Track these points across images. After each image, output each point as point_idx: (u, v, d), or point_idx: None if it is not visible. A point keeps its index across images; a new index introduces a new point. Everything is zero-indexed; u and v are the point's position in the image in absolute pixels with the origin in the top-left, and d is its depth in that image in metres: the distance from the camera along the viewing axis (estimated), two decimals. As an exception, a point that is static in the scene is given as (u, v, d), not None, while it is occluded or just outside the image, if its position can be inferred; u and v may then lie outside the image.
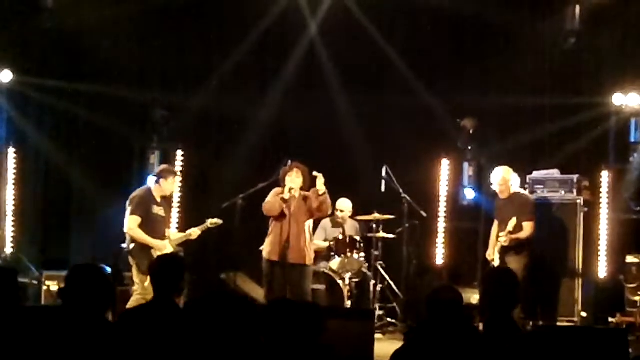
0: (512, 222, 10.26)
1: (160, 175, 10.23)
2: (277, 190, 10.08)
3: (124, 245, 10.05)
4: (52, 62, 12.68)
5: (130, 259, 9.95)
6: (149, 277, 9.61)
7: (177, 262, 6.00)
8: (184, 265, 5.94)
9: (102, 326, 4.96)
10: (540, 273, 10.94)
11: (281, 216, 9.96)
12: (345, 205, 11.89)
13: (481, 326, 5.72)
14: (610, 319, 11.09)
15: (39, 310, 8.34)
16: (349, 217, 11.96)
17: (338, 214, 11.79)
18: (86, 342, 4.80)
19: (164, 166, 10.77)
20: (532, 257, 10.46)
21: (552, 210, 11.47)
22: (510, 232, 10.27)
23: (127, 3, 12.42)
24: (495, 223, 10.78)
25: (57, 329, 4.90)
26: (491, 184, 10.77)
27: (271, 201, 10.01)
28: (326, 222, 11.80)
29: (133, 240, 9.89)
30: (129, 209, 9.94)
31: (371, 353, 7.87)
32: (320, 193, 9.91)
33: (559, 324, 10.90)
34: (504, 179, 10.63)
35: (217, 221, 10.42)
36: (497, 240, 10.51)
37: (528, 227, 10.44)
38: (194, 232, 10.38)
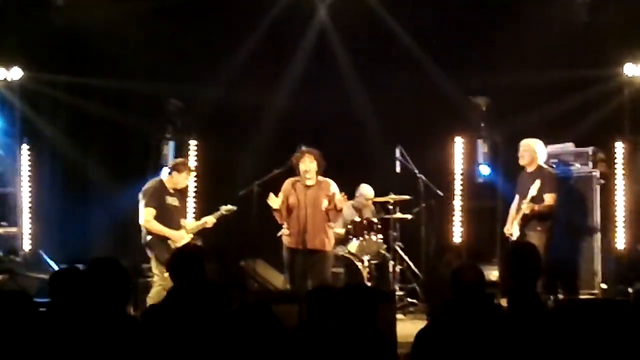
0: (536, 184, 10.21)
1: (174, 168, 10.24)
2: (283, 187, 10.11)
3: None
4: (63, 59, 12.75)
5: (148, 251, 9.98)
6: (168, 267, 9.75)
7: (195, 253, 5.99)
8: (202, 256, 5.93)
9: (122, 320, 4.97)
10: (560, 247, 10.91)
11: (297, 203, 9.96)
12: (370, 192, 11.98)
13: (503, 302, 5.71)
14: (630, 290, 11.07)
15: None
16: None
17: (362, 200, 11.88)
18: (108, 337, 4.80)
19: (179, 159, 10.77)
20: (550, 232, 10.42)
21: (569, 184, 11.43)
22: (533, 198, 10.23)
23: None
24: (516, 198, 10.72)
25: (77, 323, 4.91)
26: (518, 155, 10.72)
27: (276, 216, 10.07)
28: (345, 207, 11.79)
29: (149, 232, 9.92)
30: (142, 202, 9.97)
31: (394, 334, 7.86)
32: (338, 208, 9.96)
33: (580, 297, 10.88)
34: (529, 148, 10.59)
35: (231, 207, 10.44)
36: (517, 214, 10.47)
37: (550, 199, 10.38)
38: (209, 220, 10.40)
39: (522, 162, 10.65)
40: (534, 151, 10.60)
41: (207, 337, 4.93)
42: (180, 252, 6.15)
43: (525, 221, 10.37)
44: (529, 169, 10.62)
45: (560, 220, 10.84)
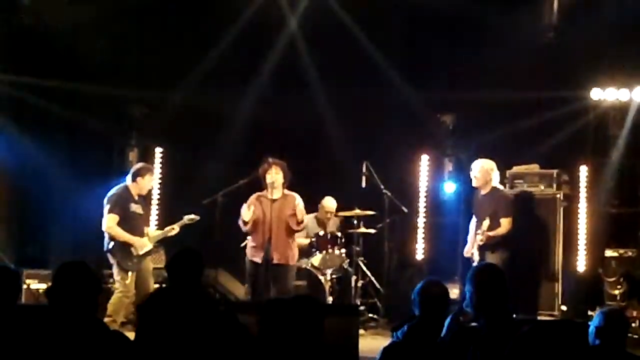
0: (486, 222, 10.16)
1: (137, 173, 10.20)
2: (249, 202, 10.06)
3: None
4: (29, 59, 12.57)
5: (111, 257, 9.93)
6: (130, 275, 9.71)
7: (195, 256, 5.99)
8: (201, 259, 5.97)
9: (92, 325, 4.92)
10: (520, 268, 10.95)
11: (262, 217, 9.95)
12: (332, 204, 11.98)
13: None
14: (590, 313, 11.13)
15: (25, 310, 8.25)
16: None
17: (323, 213, 11.88)
18: (78, 342, 4.75)
19: (140, 164, 10.73)
20: (510, 253, 10.44)
21: (532, 205, 11.48)
22: (486, 231, 10.24)
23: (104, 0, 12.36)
24: (474, 219, 10.75)
25: (46, 329, 4.85)
26: (471, 177, 10.73)
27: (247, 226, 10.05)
28: (308, 219, 11.79)
29: (112, 239, 9.86)
30: (106, 208, 9.93)
31: (356, 349, 7.86)
32: (299, 219, 9.98)
33: (539, 317, 10.93)
34: (485, 171, 10.53)
35: (194, 217, 10.40)
36: (475, 237, 10.50)
37: (506, 223, 10.38)
38: (173, 229, 10.36)
39: (476, 184, 10.59)
40: (488, 173, 10.53)
41: (192, 339, 4.94)
42: (181, 254, 6.10)
43: (483, 245, 10.39)
44: (483, 191, 10.58)
45: (522, 241, 10.89)
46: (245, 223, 9.97)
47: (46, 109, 12.64)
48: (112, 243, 9.87)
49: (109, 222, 9.88)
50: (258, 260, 9.94)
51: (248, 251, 10.10)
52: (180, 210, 10.71)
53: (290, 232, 10.04)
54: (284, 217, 9.95)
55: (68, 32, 12.28)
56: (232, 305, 10.41)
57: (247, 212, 9.91)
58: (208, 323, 5.31)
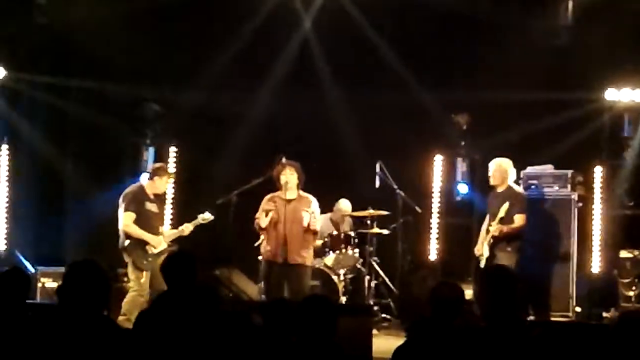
0: (504, 207, 10.23)
1: (154, 173, 10.25)
2: (263, 205, 10.06)
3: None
4: (44, 59, 12.64)
5: (125, 256, 9.96)
6: (144, 273, 9.74)
7: (188, 258, 5.98)
8: (195, 261, 5.94)
9: (101, 323, 4.94)
10: (534, 269, 10.95)
11: (277, 217, 9.93)
12: (347, 207, 12.00)
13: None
14: (604, 314, 11.12)
15: (37, 308, 8.31)
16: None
17: (338, 214, 11.90)
18: (86, 340, 4.77)
19: (159, 164, 10.78)
20: (522, 253, 10.44)
21: (546, 206, 11.47)
22: (502, 220, 10.25)
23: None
24: (487, 218, 10.77)
25: (56, 327, 4.88)
26: (488, 175, 10.74)
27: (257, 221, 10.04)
28: (322, 220, 11.79)
29: (128, 237, 9.90)
30: (122, 206, 9.98)
31: (369, 349, 7.86)
32: (312, 228, 9.99)
33: (553, 319, 10.91)
34: (500, 168, 10.61)
35: (208, 216, 10.43)
36: (487, 235, 10.50)
37: (519, 220, 10.41)
38: (187, 228, 10.39)
39: (493, 182, 10.68)
40: (505, 171, 10.62)
41: (194, 341, 4.94)
42: (172, 256, 6.12)
43: (495, 242, 10.40)
44: (499, 189, 10.64)
45: (536, 242, 10.89)
46: (261, 229, 9.96)
47: (62, 108, 12.68)
48: (127, 241, 9.90)
49: (126, 220, 9.92)
50: (272, 260, 9.92)
51: (262, 251, 10.09)
52: (195, 210, 10.74)
53: (305, 232, 10.00)
54: (299, 218, 9.92)
55: (83, 32, 12.29)
56: (245, 304, 10.44)
57: (264, 219, 9.89)
58: (207, 324, 5.31)
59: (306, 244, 10.01)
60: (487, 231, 10.52)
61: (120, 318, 9.20)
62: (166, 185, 10.49)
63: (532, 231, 10.72)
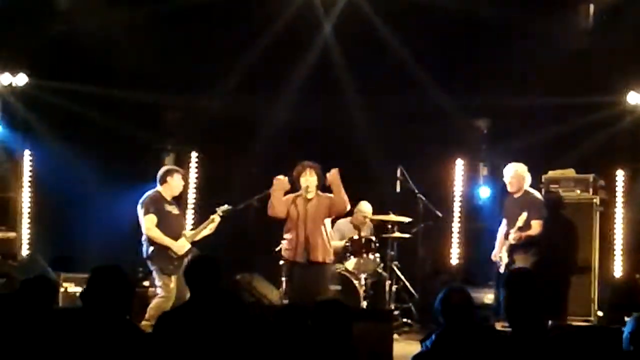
0: (522, 217, 10.24)
1: (165, 175, 10.19)
2: (275, 187, 10.04)
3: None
4: (66, 65, 12.69)
5: (150, 264, 9.94)
6: (172, 278, 9.70)
7: (211, 262, 5.94)
8: (218, 265, 5.87)
9: (125, 328, 4.98)
10: (556, 273, 10.91)
11: (297, 216, 9.93)
12: (367, 209, 11.96)
13: (498, 325, 5.66)
14: (626, 318, 11.02)
15: (60, 313, 8.34)
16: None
17: (359, 217, 11.87)
18: (110, 345, 4.81)
19: (164, 167, 10.73)
20: (540, 257, 10.41)
21: (568, 210, 11.44)
22: (520, 228, 10.25)
23: (140, 6, 12.43)
24: (503, 222, 10.76)
25: (80, 331, 4.91)
26: (505, 182, 10.74)
27: (272, 201, 9.97)
28: (343, 223, 11.80)
29: (152, 243, 9.87)
30: (142, 211, 9.94)
31: (390, 354, 7.86)
32: (327, 183, 9.89)
33: (574, 323, 10.87)
34: (517, 174, 10.61)
35: (227, 207, 10.34)
36: (505, 239, 10.49)
37: (537, 225, 10.41)
38: (210, 225, 10.28)
39: (510, 189, 10.69)
40: (522, 177, 10.63)
41: (219, 346, 4.96)
42: (195, 260, 6.12)
43: (513, 248, 10.40)
44: (516, 195, 10.65)
45: (558, 246, 10.86)
46: (274, 211, 9.93)
47: (82, 115, 12.73)
48: (151, 248, 9.86)
49: (148, 224, 9.88)
50: (294, 259, 9.90)
51: (283, 252, 10.07)
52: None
53: (325, 233, 9.99)
54: (319, 217, 9.91)
55: (103, 39, 12.35)
56: (266, 309, 10.44)
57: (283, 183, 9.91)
58: (233, 329, 5.32)
59: (326, 243, 9.97)
60: (505, 236, 10.51)
61: (144, 323, 9.20)
62: (181, 184, 10.35)
63: (553, 235, 10.69)
